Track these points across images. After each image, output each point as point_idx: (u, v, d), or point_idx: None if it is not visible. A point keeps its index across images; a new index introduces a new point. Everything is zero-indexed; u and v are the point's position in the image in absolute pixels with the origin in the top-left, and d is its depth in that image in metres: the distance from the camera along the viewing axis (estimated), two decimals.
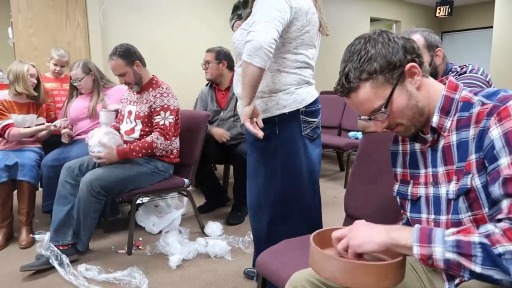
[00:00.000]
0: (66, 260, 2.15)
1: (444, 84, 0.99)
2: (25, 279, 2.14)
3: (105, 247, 2.53)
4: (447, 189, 0.97)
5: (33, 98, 2.78)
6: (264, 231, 1.77)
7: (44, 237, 2.37)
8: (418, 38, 1.73)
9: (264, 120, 1.63)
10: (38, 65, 3.78)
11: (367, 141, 1.70)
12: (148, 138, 2.37)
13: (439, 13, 7.67)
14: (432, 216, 1.02)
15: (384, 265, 0.85)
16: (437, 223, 1.00)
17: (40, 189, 2.82)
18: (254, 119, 1.53)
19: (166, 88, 2.46)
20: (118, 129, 2.60)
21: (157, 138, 2.36)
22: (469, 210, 0.92)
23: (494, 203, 0.88)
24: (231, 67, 3.04)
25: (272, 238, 1.71)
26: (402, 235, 0.87)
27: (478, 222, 0.91)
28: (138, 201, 2.51)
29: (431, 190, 1.02)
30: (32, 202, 2.65)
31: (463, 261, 0.80)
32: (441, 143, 0.98)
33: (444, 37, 9.12)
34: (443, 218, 0.99)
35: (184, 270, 2.25)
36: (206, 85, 3.21)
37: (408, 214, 1.10)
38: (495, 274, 0.77)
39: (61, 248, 2.23)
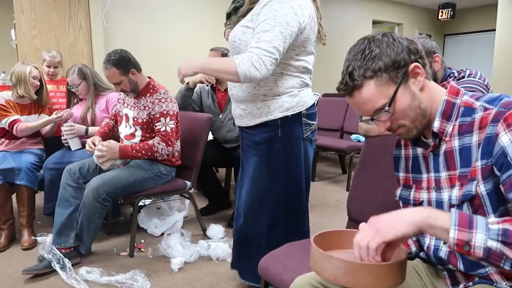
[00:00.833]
0: (68, 263, 2.15)
1: (446, 88, 0.99)
2: (27, 281, 2.13)
3: (107, 249, 2.53)
4: (450, 195, 0.96)
5: (36, 99, 2.79)
6: (265, 234, 1.76)
7: (46, 239, 2.37)
8: None
9: (265, 123, 1.64)
10: (40, 67, 3.81)
11: (370, 145, 1.69)
12: (150, 142, 2.36)
13: (441, 16, 7.68)
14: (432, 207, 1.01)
15: (385, 266, 0.84)
16: None
17: (41, 191, 2.82)
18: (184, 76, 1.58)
19: (164, 93, 2.42)
20: (112, 129, 2.60)
21: (158, 143, 2.34)
22: None
23: (499, 209, 0.87)
24: None
25: (273, 241, 1.71)
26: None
27: None
28: (140, 203, 2.51)
29: (433, 195, 1.02)
30: (31, 204, 2.64)
31: (508, 252, 0.76)
32: (443, 148, 0.98)
33: (447, 40, 9.12)
34: None
35: (186, 272, 2.24)
36: (207, 85, 3.15)
37: None
38: None
39: (63, 251, 2.23)
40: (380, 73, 0.93)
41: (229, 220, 2.97)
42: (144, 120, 2.41)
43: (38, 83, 2.75)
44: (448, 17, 7.66)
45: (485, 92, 1.72)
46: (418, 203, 1.06)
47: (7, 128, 2.68)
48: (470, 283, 0.98)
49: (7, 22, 4.87)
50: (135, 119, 2.44)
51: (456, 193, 0.94)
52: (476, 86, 1.71)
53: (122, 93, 2.62)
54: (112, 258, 2.41)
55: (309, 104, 1.67)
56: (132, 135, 2.46)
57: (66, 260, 2.16)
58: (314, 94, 5.22)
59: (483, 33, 8.38)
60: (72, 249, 2.28)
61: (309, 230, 1.87)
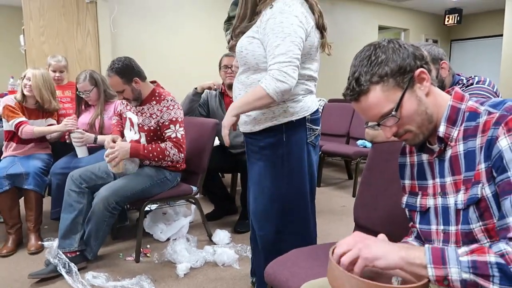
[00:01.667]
0: (74, 268, 2.15)
1: (450, 94, 1.00)
2: (34, 285, 2.14)
3: (113, 254, 2.53)
4: (456, 199, 0.96)
5: (41, 105, 2.80)
6: (271, 240, 1.75)
7: (52, 244, 2.38)
8: None
9: (270, 128, 1.64)
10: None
11: (377, 151, 1.68)
12: (162, 145, 2.34)
13: (448, 21, 7.66)
14: (441, 227, 1.01)
15: None
16: (446, 234, 1.00)
17: (49, 196, 2.83)
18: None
19: (171, 100, 2.41)
20: (122, 134, 2.61)
21: (171, 148, 2.33)
22: (480, 220, 0.91)
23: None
24: None
25: (279, 247, 1.70)
26: (415, 254, 0.86)
27: (489, 231, 0.90)
28: (146, 208, 2.51)
29: (439, 200, 1.02)
30: (39, 209, 2.66)
31: (481, 281, 0.80)
32: (448, 153, 0.98)
33: (453, 45, 9.08)
34: (452, 228, 0.98)
35: (191, 278, 2.24)
36: (214, 90, 3.16)
37: (417, 226, 1.09)
38: None
39: (68, 255, 2.23)
40: (387, 79, 0.94)
41: (235, 226, 2.97)
42: (152, 128, 2.40)
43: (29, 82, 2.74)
44: (455, 22, 7.64)
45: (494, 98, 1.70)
46: (424, 210, 1.06)
47: (13, 129, 2.70)
48: None
49: (16, 28, 4.93)
50: (140, 125, 2.43)
51: (461, 197, 0.94)
52: (486, 93, 1.70)
53: None
54: (118, 263, 2.41)
55: (313, 109, 1.68)
56: (138, 142, 2.47)
57: (72, 264, 2.16)
58: (320, 100, 5.23)
59: (490, 39, 8.34)
60: (77, 253, 2.29)
61: (316, 236, 1.86)
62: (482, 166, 0.89)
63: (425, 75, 0.96)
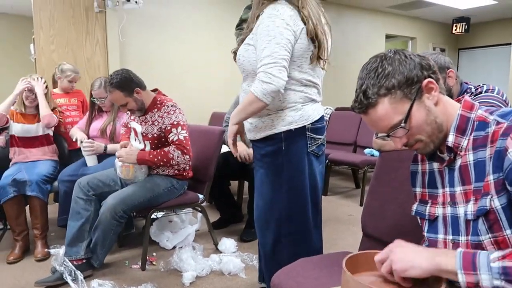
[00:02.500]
0: (80, 276, 2.15)
1: (460, 103, 0.99)
2: None
3: (119, 262, 2.53)
4: (465, 210, 0.95)
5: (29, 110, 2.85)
6: (270, 248, 1.75)
7: (59, 251, 2.38)
8: None
9: (270, 137, 1.65)
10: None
11: (385, 160, 1.67)
12: (165, 149, 2.35)
13: (455, 30, 7.63)
14: (450, 237, 1.00)
15: None
16: (456, 244, 0.99)
17: (55, 203, 2.84)
18: (238, 136, 1.68)
19: (171, 106, 2.41)
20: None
21: (174, 151, 2.33)
22: (489, 232, 0.90)
23: None
24: None
25: (277, 256, 1.71)
26: (447, 260, 0.86)
27: (499, 244, 0.89)
28: (153, 216, 2.51)
29: (448, 210, 1.01)
30: (44, 216, 2.67)
31: None
32: (458, 162, 0.97)
33: (461, 54, 9.04)
34: (462, 239, 0.97)
35: (197, 287, 2.22)
36: None
37: (425, 234, 1.08)
38: None
39: (75, 263, 2.23)
40: (394, 91, 0.94)
41: (241, 234, 2.95)
42: (155, 135, 2.40)
43: (31, 94, 2.80)
44: (462, 31, 7.61)
45: (503, 107, 1.69)
46: (433, 218, 1.05)
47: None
48: None
49: (26, 37, 5.01)
50: (144, 134, 2.44)
51: (471, 207, 0.93)
52: (495, 102, 1.68)
53: None
54: (124, 271, 2.40)
55: (314, 118, 1.66)
56: (143, 151, 2.47)
57: (78, 272, 2.16)
58: (327, 108, 5.21)
59: (499, 47, 8.29)
60: (84, 261, 2.29)
61: (322, 246, 1.84)
62: (491, 178, 0.88)
63: (433, 84, 0.95)
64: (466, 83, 1.86)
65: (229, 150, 3.10)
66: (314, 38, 1.56)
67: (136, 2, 4.00)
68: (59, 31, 3.89)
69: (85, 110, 3.31)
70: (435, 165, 1.06)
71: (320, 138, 1.70)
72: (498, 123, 0.90)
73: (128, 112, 2.48)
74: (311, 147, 1.68)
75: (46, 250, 2.59)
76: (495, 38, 8.33)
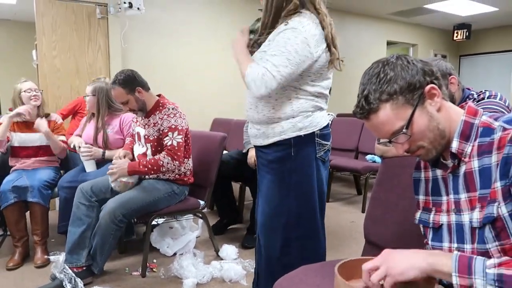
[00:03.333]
0: (80, 283, 2.13)
1: (464, 109, 0.98)
2: None
3: (119, 269, 2.51)
4: (471, 217, 0.94)
5: (46, 116, 2.84)
6: (277, 252, 1.74)
7: (59, 258, 2.36)
8: None
9: (279, 142, 1.65)
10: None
11: (388, 166, 1.66)
12: (156, 156, 2.35)
13: (456, 36, 7.65)
14: (455, 245, 0.99)
15: None
16: (461, 252, 0.96)
17: (56, 209, 2.83)
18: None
19: (172, 109, 2.41)
20: (132, 150, 2.61)
21: (164, 157, 2.32)
22: (496, 240, 0.89)
23: None
24: None
25: (283, 261, 1.69)
26: (443, 261, 0.86)
27: (506, 252, 0.88)
28: (153, 222, 2.50)
29: (453, 217, 1.00)
30: (45, 222, 2.66)
31: None
32: (463, 169, 0.96)
33: (462, 60, 9.04)
34: (468, 247, 0.96)
35: None
36: None
37: (429, 242, 1.07)
38: None
39: (75, 270, 2.22)
40: (396, 96, 0.93)
41: (242, 241, 2.93)
42: (155, 137, 2.41)
43: (37, 93, 2.77)
44: (464, 37, 7.62)
45: (506, 113, 1.68)
46: (437, 226, 1.04)
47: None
48: None
49: (29, 43, 5.03)
50: (146, 137, 2.45)
51: (477, 215, 0.92)
52: (498, 107, 1.68)
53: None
54: (124, 278, 2.39)
55: (322, 124, 1.68)
56: (144, 154, 2.47)
57: (78, 280, 2.14)
58: (329, 114, 5.19)
59: (500, 54, 8.29)
60: (84, 268, 2.27)
61: (325, 252, 1.83)
62: (498, 185, 0.87)
63: (436, 90, 0.94)
64: (468, 89, 1.86)
65: (237, 153, 3.14)
66: (331, 45, 1.60)
67: (138, 8, 4.01)
68: (62, 37, 3.90)
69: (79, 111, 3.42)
70: (439, 172, 1.05)
71: (327, 144, 1.72)
72: (504, 129, 0.89)
73: (134, 118, 2.48)
74: (319, 153, 1.69)
75: (46, 256, 2.57)
76: (496, 45, 8.33)
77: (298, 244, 1.72)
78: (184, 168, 2.51)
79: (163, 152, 2.35)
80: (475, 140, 0.94)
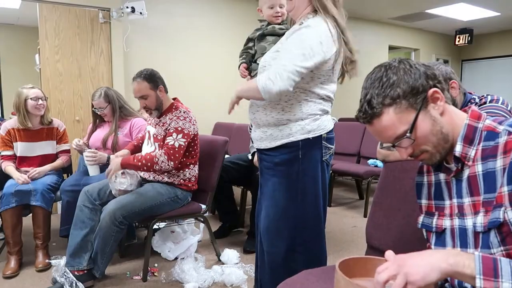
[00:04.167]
0: (81, 287, 2.12)
1: (467, 113, 0.98)
2: None
3: (120, 273, 2.50)
4: (474, 221, 0.93)
5: (49, 123, 2.83)
6: (281, 257, 1.72)
7: (60, 262, 2.36)
8: None
9: (286, 145, 1.65)
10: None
11: (390, 170, 1.65)
12: (153, 153, 2.35)
13: (458, 41, 7.65)
14: (458, 249, 0.98)
15: None
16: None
17: (57, 213, 2.83)
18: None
19: (184, 112, 2.43)
20: (140, 149, 2.61)
21: (160, 155, 2.30)
22: (502, 245, 0.88)
23: None
24: None
25: (289, 266, 1.68)
26: (465, 262, 0.79)
27: (511, 257, 0.86)
28: (155, 226, 2.49)
29: (456, 222, 0.99)
30: (47, 226, 2.65)
31: None
32: (466, 173, 0.96)
33: (464, 65, 9.04)
34: (471, 251, 0.95)
35: None
36: None
37: (432, 246, 1.06)
38: None
39: (76, 273, 2.21)
40: (399, 100, 0.93)
41: (244, 245, 2.92)
42: (162, 136, 2.42)
43: (43, 101, 2.76)
44: (466, 42, 7.62)
45: (508, 117, 1.68)
46: (440, 231, 1.03)
47: None
48: None
49: (31, 48, 5.05)
50: (155, 136, 2.46)
51: (481, 219, 0.91)
52: (500, 112, 1.68)
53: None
54: (125, 282, 2.38)
55: (329, 128, 1.70)
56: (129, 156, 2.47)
57: (79, 283, 2.14)
58: (332, 119, 5.19)
59: (502, 59, 8.29)
60: (85, 272, 2.26)
61: (326, 257, 1.82)
62: (505, 189, 0.86)
63: (439, 94, 0.94)
64: (470, 93, 1.86)
65: (239, 157, 3.14)
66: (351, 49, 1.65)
67: (140, 13, 4.03)
68: (64, 41, 3.92)
69: None
70: (442, 176, 1.05)
71: (332, 148, 1.73)
72: (510, 133, 0.88)
73: (144, 109, 2.50)
74: (325, 156, 1.70)
75: (47, 260, 2.56)
76: (498, 50, 8.33)
77: (303, 249, 1.72)
78: (189, 173, 2.50)
79: (161, 150, 2.34)
80: (478, 144, 0.93)
